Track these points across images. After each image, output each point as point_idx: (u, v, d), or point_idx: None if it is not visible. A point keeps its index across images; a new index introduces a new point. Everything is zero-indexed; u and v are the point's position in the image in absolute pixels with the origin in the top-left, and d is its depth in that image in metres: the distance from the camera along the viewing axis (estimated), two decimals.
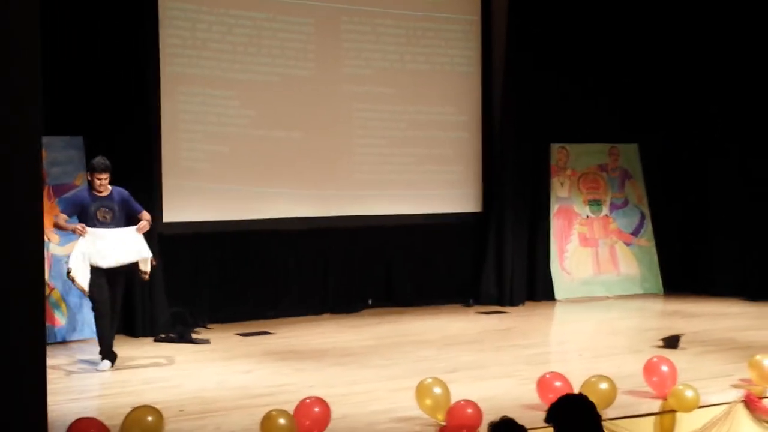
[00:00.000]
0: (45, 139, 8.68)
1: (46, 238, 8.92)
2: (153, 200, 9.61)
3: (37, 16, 3.94)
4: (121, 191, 8.03)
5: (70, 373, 7.77)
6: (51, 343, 8.52)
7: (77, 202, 7.93)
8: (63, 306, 9.05)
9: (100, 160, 7.85)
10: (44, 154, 8.89)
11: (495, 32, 11.82)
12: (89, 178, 7.92)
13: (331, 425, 5.81)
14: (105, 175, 7.82)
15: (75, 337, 9.06)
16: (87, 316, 9.05)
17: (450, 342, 9.10)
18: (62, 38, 9.17)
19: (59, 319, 9.01)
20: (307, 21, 10.78)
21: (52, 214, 8.92)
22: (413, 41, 11.45)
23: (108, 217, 7.86)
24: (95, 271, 7.72)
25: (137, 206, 8.11)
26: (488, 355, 8.44)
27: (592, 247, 12.34)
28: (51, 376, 7.04)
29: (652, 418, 6.57)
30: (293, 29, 10.70)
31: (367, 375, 7.59)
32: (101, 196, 7.87)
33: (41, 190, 4.49)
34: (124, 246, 7.82)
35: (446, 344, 8.98)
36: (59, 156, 9.16)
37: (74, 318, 9.09)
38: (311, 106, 10.78)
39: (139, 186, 9.46)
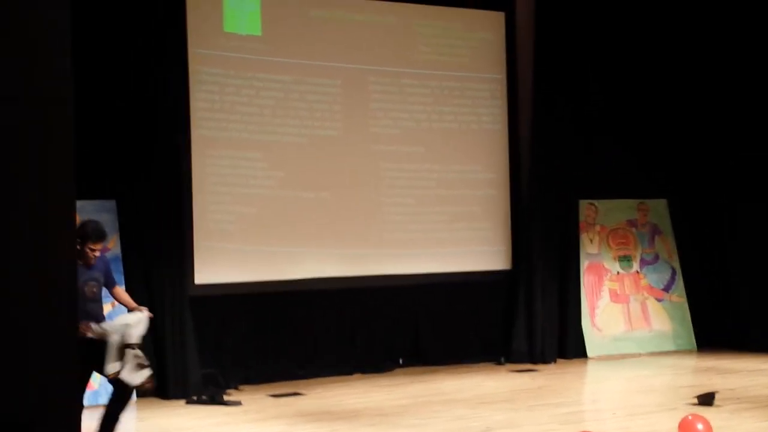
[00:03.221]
0: (78, 204, 8.86)
1: None
2: (185, 262, 9.71)
3: (70, 81, 4.01)
4: (103, 257, 6.88)
5: None
6: (85, 407, 8.53)
7: None
8: None
9: (96, 226, 6.58)
10: (77, 218, 9.04)
11: (521, 90, 11.90)
12: (80, 247, 6.38)
13: None
14: (101, 245, 6.63)
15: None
16: None
17: (483, 401, 9.04)
18: (94, 102, 9.32)
19: (93, 383, 9.02)
20: (334, 82, 10.91)
21: None
22: (440, 100, 11.55)
23: (96, 290, 6.66)
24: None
25: (113, 278, 7.00)
26: (521, 414, 8.36)
27: (624, 304, 12.26)
28: None
29: None
30: (320, 90, 10.84)
31: None
32: (90, 267, 6.57)
33: (75, 254, 4.54)
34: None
35: (479, 403, 8.91)
36: None
37: (108, 382, 9.09)
38: (339, 166, 10.87)
39: (171, 248, 9.59)
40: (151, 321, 8.30)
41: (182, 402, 9.27)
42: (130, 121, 9.63)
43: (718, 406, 8.39)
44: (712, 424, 6.76)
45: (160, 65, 9.72)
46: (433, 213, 11.47)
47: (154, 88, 9.68)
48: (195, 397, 9.29)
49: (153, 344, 9.51)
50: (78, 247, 6.30)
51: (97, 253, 6.57)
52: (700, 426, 6.72)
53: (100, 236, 6.54)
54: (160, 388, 9.41)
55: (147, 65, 9.66)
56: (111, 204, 9.47)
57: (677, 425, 6.81)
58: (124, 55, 9.62)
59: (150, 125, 9.66)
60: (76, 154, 4.05)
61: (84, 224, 6.52)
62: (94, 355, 6.40)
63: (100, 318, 6.63)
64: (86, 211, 9.11)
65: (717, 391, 8.70)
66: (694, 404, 8.46)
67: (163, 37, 9.77)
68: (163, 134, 9.72)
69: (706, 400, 8.52)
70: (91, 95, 9.23)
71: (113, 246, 9.36)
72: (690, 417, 6.87)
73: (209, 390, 9.36)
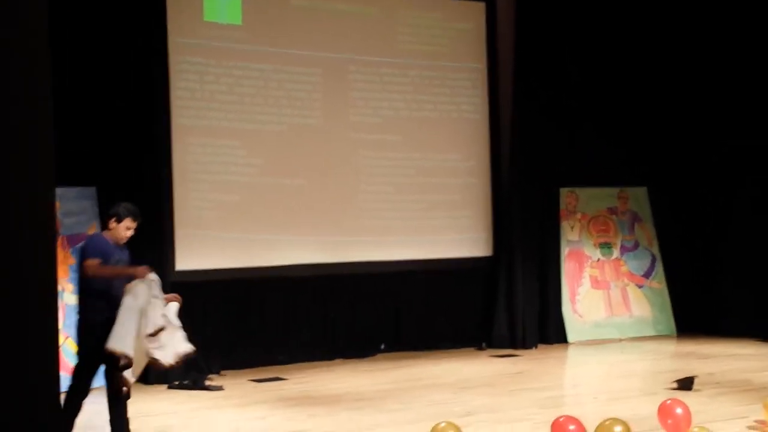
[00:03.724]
0: (58, 190, 8.83)
1: (60, 288, 8.99)
2: (166, 249, 9.72)
3: (48, 67, 4.00)
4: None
5: (82, 422, 7.76)
6: (65, 392, 8.52)
7: (101, 249, 6.40)
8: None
9: (132, 205, 6.61)
10: (58, 204, 9.02)
11: (501, 79, 11.93)
12: (115, 224, 6.47)
13: None
14: (137, 224, 6.60)
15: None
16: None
17: (463, 386, 9.08)
18: (74, 90, 9.28)
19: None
20: (314, 71, 10.90)
21: (66, 263, 9.01)
22: (420, 89, 11.56)
23: None
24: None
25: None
26: (502, 398, 8.41)
27: (604, 290, 12.34)
28: None
29: None
30: (300, 79, 10.83)
31: (382, 420, 7.57)
32: (120, 248, 6.54)
33: (55, 240, 4.53)
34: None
35: (460, 388, 8.96)
36: (72, 206, 9.24)
37: None
38: (319, 155, 10.87)
39: (152, 235, 9.55)
40: None
41: (164, 387, 9.27)
42: (111, 108, 9.61)
43: (697, 390, 8.46)
44: (691, 408, 6.81)
45: (140, 54, 9.70)
46: (413, 201, 11.49)
47: (134, 77, 9.66)
48: (177, 382, 9.29)
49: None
50: (112, 225, 6.46)
51: (132, 232, 6.54)
52: (679, 410, 6.77)
53: (138, 215, 6.57)
54: (142, 374, 9.38)
55: (127, 54, 9.63)
56: (91, 191, 9.44)
57: (657, 409, 6.86)
58: (104, 43, 9.59)
59: (130, 113, 9.64)
60: (57, 140, 4.04)
61: (120, 204, 6.59)
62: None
63: (120, 298, 6.38)
64: (67, 197, 9.10)
65: (696, 376, 8.78)
66: (674, 389, 8.52)
67: (144, 26, 9.75)
68: (143, 122, 9.71)
69: (685, 384, 8.59)
70: (71, 83, 9.20)
71: (93, 232, 9.32)
72: (669, 401, 6.92)
73: (191, 375, 9.35)
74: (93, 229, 9.32)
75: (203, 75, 10.25)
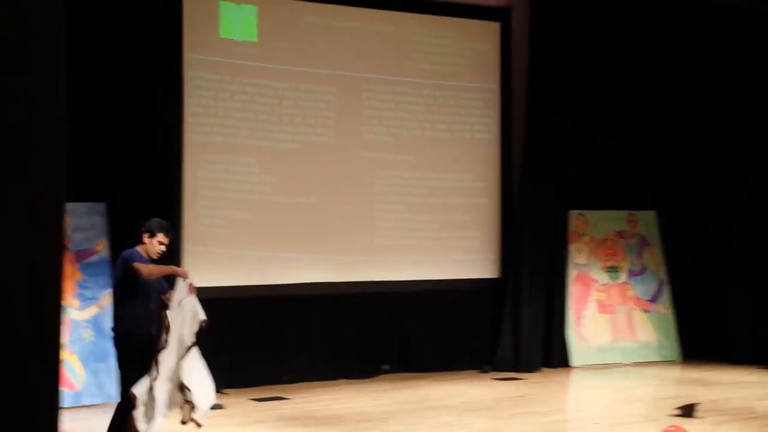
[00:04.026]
0: (68, 206, 8.91)
1: (65, 303, 9.04)
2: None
3: (63, 83, 4.06)
4: None
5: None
6: (66, 407, 8.59)
7: (140, 260, 6.65)
8: (80, 370, 9.12)
9: (163, 221, 6.89)
10: (67, 219, 9.10)
11: (514, 100, 11.98)
12: (149, 239, 6.73)
13: None
14: (169, 239, 6.88)
15: (90, 401, 9.11)
16: (103, 380, 9.14)
17: (467, 408, 9.09)
18: (88, 104, 9.36)
19: (76, 384, 9.08)
20: (328, 90, 10.97)
21: (73, 279, 9.07)
22: (433, 109, 11.62)
23: (160, 283, 6.94)
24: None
25: None
26: (504, 422, 8.42)
27: (610, 314, 12.33)
28: None
29: None
30: (314, 98, 10.90)
31: None
32: (152, 262, 6.81)
33: (63, 255, 4.59)
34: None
35: (463, 410, 8.97)
36: (82, 222, 9.32)
37: (91, 383, 9.16)
38: (331, 173, 10.93)
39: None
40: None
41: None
42: (124, 124, 9.67)
43: (700, 417, 8.45)
44: None
45: (155, 69, 9.78)
46: (424, 221, 11.53)
47: (148, 92, 9.73)
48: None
49: None
50: (146, 240, 6.73)
51: (164, 248, 6.81)
52: None
53: (170, 230, 6.87)
54: None
55: (142, 69, 9.71)
56: (101, 207, 9.52)
57: None
58: (119, 58, 9.67)
59: (143, 129, 9.70)
60: (69, 155, 4.10)
61: (153, 219, 6.85)
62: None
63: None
64: (77, 213, 9.18)
65: (699, 403, 8.77)
66: (676, 415, 8.52)
67: (159, 42, 9.83)
68: (156, 138, 9.77)
69: (688, 411, 8.59)
70: (85, 97, 9.27)
71: (102, 248, 9.40)
72: (671, 428, 6.93)
73: None
74: (102, 244, 9.39)
75: (218, 92, 10.33)
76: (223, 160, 10.33)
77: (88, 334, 9.20)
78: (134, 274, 6.55)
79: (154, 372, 6.50)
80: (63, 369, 7.92)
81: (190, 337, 6.62)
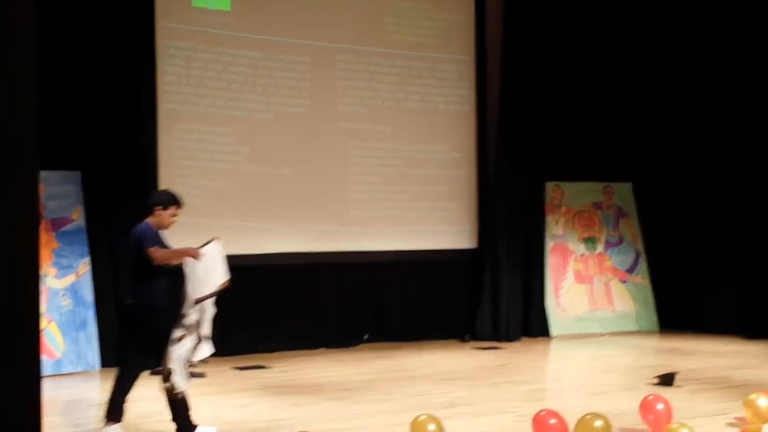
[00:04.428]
0: (42, 174, 8.81)
1: (43, 272, 8.95)
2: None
3: (33, 52, 3.97)
4: None
5: (65, 406, 7.75)
6: (47, 376, 8.52)
7: (154, 236, 6.57)
8: (60, 339, 9.04)
9: (176, 193, 6.80)
10: (41, 188, 8.98)
11: (489, 72, 11.93)
12: (161, 212, 6.61)
13: None
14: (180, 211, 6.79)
15: (71, 369, 9.04)
16: (83, 349, 9.08)
17: (446, 377, 9.10)
18: (61, 74, 9.24)
19: (55, 352, 9.01)
20: (302, 60, 10.87)
21: (49, 247, 8.97)
22: (407, 80, 11.55)
23: None
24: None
25: None
26: (484, 391, 8.42)
27: (587, 284, 12.37)
28: (46, 409, 7.04)
29: None
30: (288, 67, 10.80)
31: (363, 410, 7.57)
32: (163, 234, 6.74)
33: (38, 223, 4.52)
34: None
35: (442, 379, 8.97)
36: (56, 190, 9.22)
37: (70, 351, 9.09)
38: (305, 143, 10.85)
39: (136, 220, 9.50)
40: (117, 291, 8.30)
41: (146, 373, 9.23)
42: (97, 92, 9.57)
43: (678, 386, 8.49)
44: (672, 404, 6.84)
45: (127, 37, 9.66)
46: (399, 192, 11.49)
47: (121, 61, 9.62)
48: (159, 368, 9.25)
49: (118, 315, 9.50)
50: (158, 212, 6.58)
51: (176, 219, 6.70)
52: (660, 406, 6.79)
53: (181, 202, 6.73)
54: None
55: (114, 37, 9.59)
56: (76, 175, 9.41)
57: (638, 404, 6.88)
58: (92, 26, 9.55)
59: (116, 97, 9.60)
60: (42, 124, 4.01)
61: (162, 191, 6.82)
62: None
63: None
64: (51, 181, 9.06)
65: (677, 372, 8.80)
66: (655, 384, 8.55)
67: (131, 10, 9.69)
68: (129, 106, 9.68)
69: (667, 380, 8.62)
70: (57, 66, 9.16)
71: (77, 217, 9.30)
72: (650, 397, 6.95)
73: None
74: (77, 213, 9.29)
75: (191, 61, 10.21)
76: (196, 130, 10.24)
77: (66, 303, 9.12)
78: (142, 250, 6.42)
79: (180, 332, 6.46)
80: (42, 337, 7.91)
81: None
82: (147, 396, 8.23)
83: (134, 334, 6.61)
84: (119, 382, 6.60)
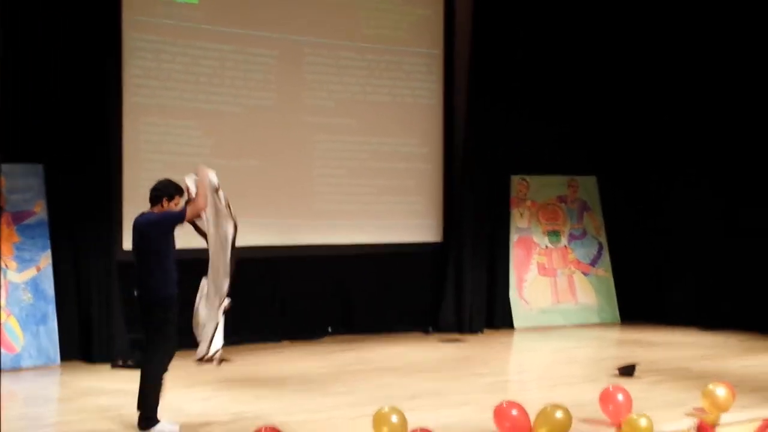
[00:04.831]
0: (4, 167, 8.73)
1: (3, 265, 8.90)
2: (113, 228, 9.65)
3: None
4: None
5: (24, 400, 7.71)
6: (6, 370, 8.48)
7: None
8: (20, 333, 8.98)
9: (176, 182, 6.94)
10: (3, 181, 8.92)
11: (457, 66, 11.98)
12: (167, 203, 6.80)
13: None
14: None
15: (31, 363, 8.99)
16: (43, 343, 9.03)
17: (410, 369, 9.15)
18: (24, 65, 9.16)
19: (15, 346, 8.94)
20: (270, 53, 10.86)
21: (10, 241, 8.92)
22: (375, 74, 11.56)
23: None
24: None
25: None
26: (447, 383, 8.48)
27: (551, 277, 12.46)
28: (5, 403, 7.01)
29: None
30: (257, 60, 10.78)
31: (327, 402, 7.61)
32: None
33: None
34: None
35: (406, 372, 9.02)
36: (18, 183, 9.15)
37: (30, 345, 9.02)
38: (273, 137, 10.84)
39: (99, 214, 9.50)
40: (78, 286, 8.32)
41: (107, 366, 9.21)
42: (61, 85, 9.48)
43: (638, 377, 8.60)
44: (632, 395, 6.93)
45: (93, 30, 9.57)
46: (365, 185, 11.51)
47: (87, 53, 9.54)
48: (120, 362, 9.24)
49: (78, 308, 9.46)
50: (165, 204, 6.74)
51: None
52: (620, 397, 6.88)
53: (183, 191, 6.83)
54: (85, 352, 9.38)
55: (80, 30, 9.50)
56: (38, 168, 9.33)
57: (598, 396, 6.96)
58: (57, 18, 9.45)
59: (81, 90, 9.53)
60: (4, 116, 4.00)
61: (165, 182, 6.84)
62: None
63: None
64: (13, 174, 9.00)
65: (638, 363, 8.91)
66: (616, 375, 8.65)
67: (98, 1, 9.61)
68: (94, 99, 9.60)
69: (627, 371, 8.73)
70: (21, 58, 9.08)
71: (39, 210, 9.24)
72: (611, 388, 7.03)
73: (136, 355, 9.30)
74: (40, 206, 9.23)
75: (158, 54, 10.16)
76: (163, 123, 10.20)
77: (26, 297, 9.06)
78: (171, 230, 6.69)
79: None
80: (2, 331, 7.87)
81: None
82: (110, 389, 8.22)
83: (156, 325, 6.70)
84: (153, 382, 6.68)
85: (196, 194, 6.73)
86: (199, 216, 6.76)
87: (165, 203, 6.75)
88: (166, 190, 6.75)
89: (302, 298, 11.02)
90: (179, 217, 6.66)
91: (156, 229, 6.67)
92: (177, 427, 6.69)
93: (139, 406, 6.64)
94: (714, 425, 6.95)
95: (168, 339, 6.73)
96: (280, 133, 10.90)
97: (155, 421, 6.59)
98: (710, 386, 7.13)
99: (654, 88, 12.54)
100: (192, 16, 10.38)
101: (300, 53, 11.06)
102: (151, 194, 6.81)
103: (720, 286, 11.85)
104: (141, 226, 6.73)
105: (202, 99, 10.43)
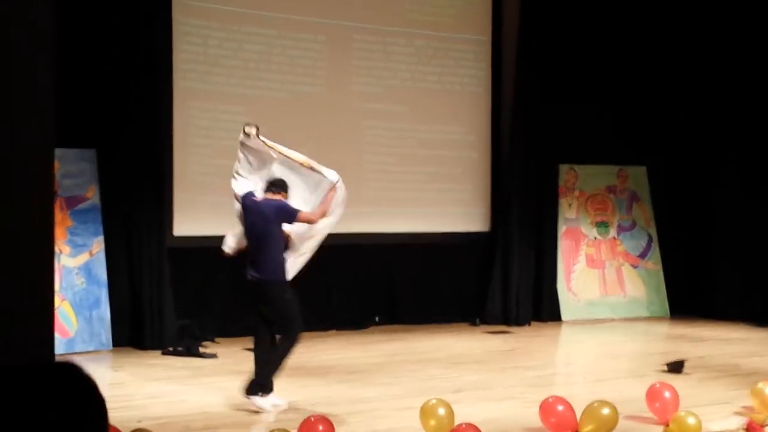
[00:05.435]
0: (58, 152, 8.83)
1: (57, 250, 9.01)
2: (164, 213, 9.74)
3: (53, 29, 4.00)
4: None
5: None
6: (60, 354, 8.59)
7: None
8: (73, 317, 9.11)
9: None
10: (57, 166, 9.03)
11: (505, 53, 11.89)
12: (284, 195, 7.27)
13: None
14: None
15: (83, 348, 9.11)
16: (96, 328, 9.15)
17: (456, 361, 9.14)
18: (77, 51, 9.25)
19: (69, 330, 9.07)
20: (317, 38, 10.86)
21: (63, 225, 9.03)
22: (424, 60, 11.52)
23: None
24: None
25: None
26: (493, 375, 8.47)
27: (599, 269, 12.36)
28: None
29: None
30: (304, 46, 10.79)
31: (372, 393, 7.63)
32: None
33: (53, 201, 4.56)
34: None
35: (452, 363, 9.01)
36: (72, 168, 9.26)
37: (83, 330, 9.15)
38: (320, 123, 10.85)
39: (150, 199, 9.59)
40: (130, 271, 8.51)
41: (158, 353, 9.31)
42: (113, 70, 9.57)
43: (687, 373, 8.51)
44: (680, 392, 6.87)
45: (144, 15, 9.65)
46: (413, 173, 11.49)
47: (137, 38, 9.61)
48: (171, 348, 9.34)
49: (131, 294, 9.56)
50: (282, 195, 7.19)
51: None
52: (667, 394, 6.82)
53: None
54: (137, 339, 9.47)
55: (131, 14, 9.58)
56: (91, 153, 9.44)
57: (645, 392, 6.91)
58: (108, 3, 9.53)
59: (132, 75, 9.61)
60: (58, 101, 4.04)
61: (278, 178, 7.28)
62: None
63: None
64: (66, 159, 9.11)
65: (686, 359, 8.82)
66: (664, 371, 8.58)
67: None
68: (144, 84, 9.67)
69: (676, 367, 8.64)
70: (74, 43, 9.16)
71: (92, 195, 9.35)
72: (657, 385, 6.98)
73: (185, 341, 9.40)
74: (92, 191, 9.34)
75: (207, 39, 10.21)
76: (211, 108, 10.25)
77: (79, 281, 9.18)
78: (285, 221, 7.07)
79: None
80: (56, 316, 7.97)
81: None
82: (159, 376, 8.31)
83: (278, 305, 7.13)
84: (279, 356, 7.02)
85: (320, 206, 7.24)
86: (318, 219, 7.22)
87: (282, 195, 7.16)
88: (279, 185, 7.18)
89: (349, 286, 11.04)
90: (293, 215, 7.08)
91: (279, 215, 7.04)
92: (285, 403, 6.97)
93: (257, 374, 6.96)
94: (764, 424, 6.86)
95: (293, 319, 7.13)
96: (327, 119, 10.91)
97: (268, 390, 6.91)
98: (759, 385, 7.04)
99: (705, 77, 12.36)
100: (239, 1, 10.41)
101: (348, 39, 11.05)
102: (273, 182, 7.19)
103: None
104: (266, 209, 7.09)
105: (250, 85, 10.47)
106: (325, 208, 7.23)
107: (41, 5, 3.96)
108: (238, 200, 7.27)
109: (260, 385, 6.90)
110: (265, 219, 7.03)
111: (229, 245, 7.38)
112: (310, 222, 7.17)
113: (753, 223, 11.91)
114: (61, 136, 8.37)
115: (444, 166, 11.65)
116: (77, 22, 9.24)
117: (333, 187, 7.29)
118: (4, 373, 1.60)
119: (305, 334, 10.31)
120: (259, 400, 6.86)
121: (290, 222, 7.09)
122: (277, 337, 7.16)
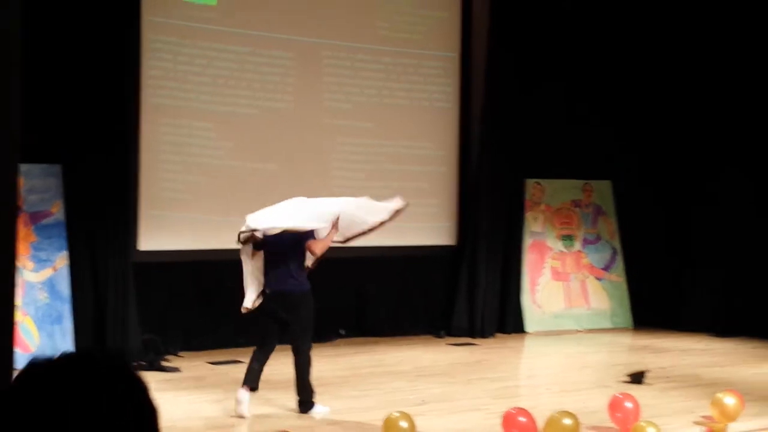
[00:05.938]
0: (23, 167, 8.83)
1: (20, 265, 8.99)
2: (129, 229, 9.72)
3: (18, 43, 4.02)
4: None
5: None
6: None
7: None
8: (35, 332, 9.08)
9: None
10: (21, 181, 9.01)
11: (474, 69, 12.00)
12: None
13: None
14: None
15: None
16: (58, 343, 9.12)
17: (421, 374, 9.20)
18: (43, 65, 9.23)
19: (30, 346, 9.04)
20: (288, 55, 10.92)
21: (27, 240, 9.01)
22: (393, 77, 11.61)
23: None
24: None
25: None
26: (458, 387, 8.53)
27: (564, 282, 12.48)
28: None
29: None
30: (274, 63, 10.85)
31: (338, 406, 7.66)
32: None
33: (16, 216, 4.57)
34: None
35: (417, 376, 9.07)
36: (37, 184, 9.24)
37: (45, 345, 9.11)
38: (290, 139, 10.91)
39: (115, 214, 9.59)
40: (95, 286, 8.56)
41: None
42: (80, 86, 9.56)
43: (649, 384, 8.62)
44: (641, 402, 6.98)
45: (112, 31, 9.65)
46: (382, 188, 11.51)
47: (105, 54, 9.60)
48: (134, 363, 9.32)
49: (95, 308, 9.54)
50: None
51: None
52: (628, 404, 6.93)
53: None
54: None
55: (99, 31, 9.58)
56: (56, 168, 9.43)
57: (607, 403, 7.00)
58: (75, 18, 9.53)
59: (100, 91, 9.59)
60: (24, 116, 4.06)
61: None
62: None
63: None
64: (31, 174, 9.10)
65: (648, 370, 8.94)
66: (626, 382, 8.68)
67: (117, 4, 9.69)
68: (113, 100, 9.66)
69: (637, 378, 8.76)
70: (41, 57, 9.14)
71: (57, 211, 9.34)
72: (620, 395, 7.08)
73: (149, 356, 9.40)
74: (57, 207, 9.32)
75: (176, 55, 10.24)
76: (180, 124, 10.27)
77: (42, 296, 9.15)
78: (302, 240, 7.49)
79: None
80: (17, 331, 7.93)
81: None
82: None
83: (302, 316, 7.54)
84: (306, 365, 7.43)
85: (327, 236, 7.67)
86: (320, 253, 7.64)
87: None
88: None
89: (315, 299, 11.04)
90: (308, 237, 7.56)
91: (302, 234, 7.50)
92: (328, 409, 7.36)
93: (299, 393, 7.38)
94: None
95: (311, 330, 7.56)
96: (296, 135, 10.97)
97: (311, 405, 7.33)
98: (719, 395, 7.15)
99: (670, 92, 12.54)
100: (210, 17, 10.45)
101: (317, 55, 11.12)
102: None
103: (734, 292, 11.84)
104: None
105: (220, 101, 10.51)
106: (326, 243, 7.59)
107: (7, 20, 3.99)
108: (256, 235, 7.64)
109: (305, 402, 7.36)
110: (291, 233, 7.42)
111: (251, 299, 7.74)
112: (311, 252, 7.53)
113: (717, 236, 12.06)
114: (27, 151, 8.37)
115: (412, 180, 11.72)
116: (44, 37, 9.23)
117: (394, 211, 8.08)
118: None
119: None
120: (318, 408, 7.34)
121: (304, 239, 7.47)
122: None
